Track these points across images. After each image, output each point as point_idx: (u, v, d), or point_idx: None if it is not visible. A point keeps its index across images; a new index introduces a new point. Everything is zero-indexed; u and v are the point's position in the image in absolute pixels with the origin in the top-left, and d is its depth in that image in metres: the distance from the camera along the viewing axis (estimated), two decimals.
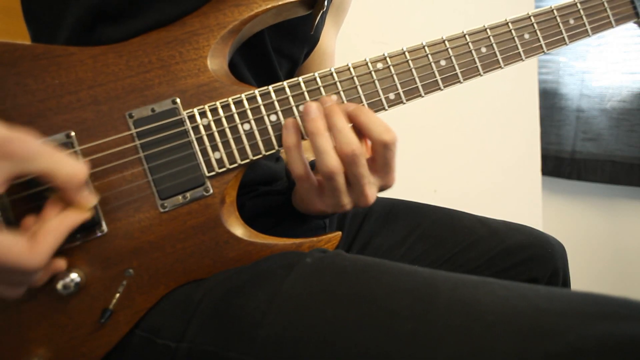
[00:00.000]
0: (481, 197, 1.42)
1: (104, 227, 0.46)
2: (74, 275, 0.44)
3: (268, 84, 0.51)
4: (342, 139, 0.46)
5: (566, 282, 0.73)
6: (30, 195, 0.43)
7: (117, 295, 0.46)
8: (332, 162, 0.46)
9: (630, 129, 1.53)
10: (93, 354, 0.46)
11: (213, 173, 0.48)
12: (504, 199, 1.46)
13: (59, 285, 0.44)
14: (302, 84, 0.51)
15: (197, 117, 0.48)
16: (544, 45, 0.59)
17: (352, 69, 0.52)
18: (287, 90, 0.51)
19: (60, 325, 0.45)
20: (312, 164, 0.50)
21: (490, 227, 0.72)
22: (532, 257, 0.70)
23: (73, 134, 0.46)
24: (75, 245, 0.45)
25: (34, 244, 0.37)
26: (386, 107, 0.53)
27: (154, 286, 0.47)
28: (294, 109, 0.51)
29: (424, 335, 0.35)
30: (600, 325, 0.31)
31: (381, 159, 0.48)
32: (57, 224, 0.39)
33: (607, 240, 1.64)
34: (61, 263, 0.43)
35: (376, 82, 0.53)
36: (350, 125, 0.48)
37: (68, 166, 0.39)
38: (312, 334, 0.39)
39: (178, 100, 0.49)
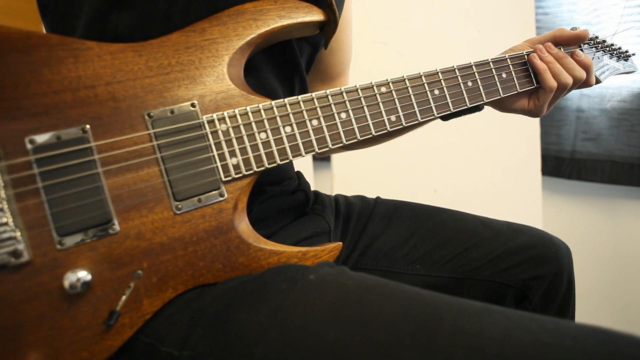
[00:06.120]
0: (481, 197, 1.41)
1: (117, 225, 0.45)
2: (82, 274, 0.43)
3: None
4: (569, 65, 0.68)
5: (570, 283, 0.72)
6: None
7: (124, 297, 0.45)
8: (567, 78, 0.68)
9: (630, 129, 1.49)
10: (94, 358, 0.43)
11: (229, 178, 0.49)
12: (504, 199, 1.45)
13: (66, 284, 0.42)
14: (315, 100, 0.54)
15: (216, 122, 0.49)
16: (517, 85, 0.67)
17: (359, 91, 0.56)
18: (302, 104, 0.53)
19: (61, 327, 0.43)
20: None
21: (493, 228, 0.72)
22: (536, 257, 0.69)
23: (88, 127, 0.45)
24: (85, 243, 0.43)
25: None
26: (388, 128, 0.57)
27: (162, 289, 0.46)
28: (307, 122, 0.53)
29: None
30: None
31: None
32: None
33: (607, 240, 1.61)
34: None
35: (380, 104, 0.57)
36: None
37: None
38: (312, 355, 0.38)
39: (197, 104, 0.49)
